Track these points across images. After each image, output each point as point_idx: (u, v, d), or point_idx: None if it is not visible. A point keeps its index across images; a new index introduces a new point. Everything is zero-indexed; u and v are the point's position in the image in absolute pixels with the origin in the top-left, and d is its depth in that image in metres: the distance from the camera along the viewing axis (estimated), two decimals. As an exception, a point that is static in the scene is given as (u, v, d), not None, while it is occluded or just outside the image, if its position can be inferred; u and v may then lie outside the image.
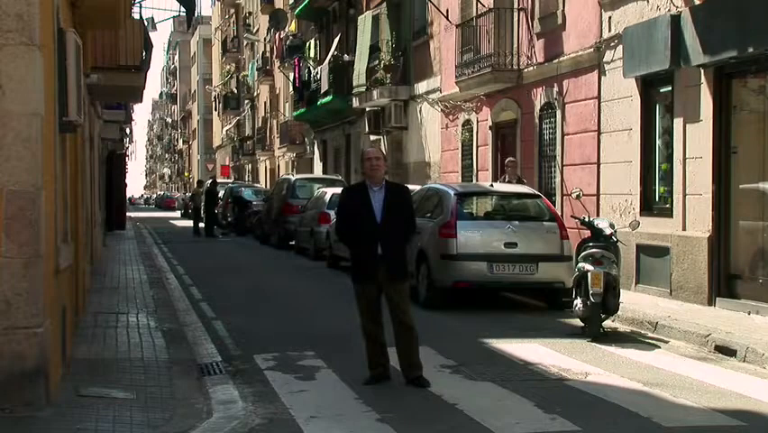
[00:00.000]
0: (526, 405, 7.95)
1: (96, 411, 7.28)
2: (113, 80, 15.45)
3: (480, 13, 21.35)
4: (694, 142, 13.87)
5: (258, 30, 56.64)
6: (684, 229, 14.12)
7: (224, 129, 73.50)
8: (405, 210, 9.00)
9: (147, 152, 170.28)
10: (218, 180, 42.31)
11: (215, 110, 78.53)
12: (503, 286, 14.36)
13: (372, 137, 30.07)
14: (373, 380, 8.77)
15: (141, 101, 22.38)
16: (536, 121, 19.20)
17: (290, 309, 14.18)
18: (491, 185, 16.32)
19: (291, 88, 42.15)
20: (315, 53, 38.43)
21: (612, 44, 16.20)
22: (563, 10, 18.11)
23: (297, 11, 40.10)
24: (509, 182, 16.91)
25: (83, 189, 12.98)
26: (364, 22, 30.20)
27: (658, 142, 15.14)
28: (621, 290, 12.02)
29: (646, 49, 14.54)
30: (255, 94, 58.86)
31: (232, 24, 69.22)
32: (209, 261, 23.33)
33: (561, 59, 18.08)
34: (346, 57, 32.90)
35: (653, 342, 11.37)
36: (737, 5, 12.79)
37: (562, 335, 11.71)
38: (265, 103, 55.33)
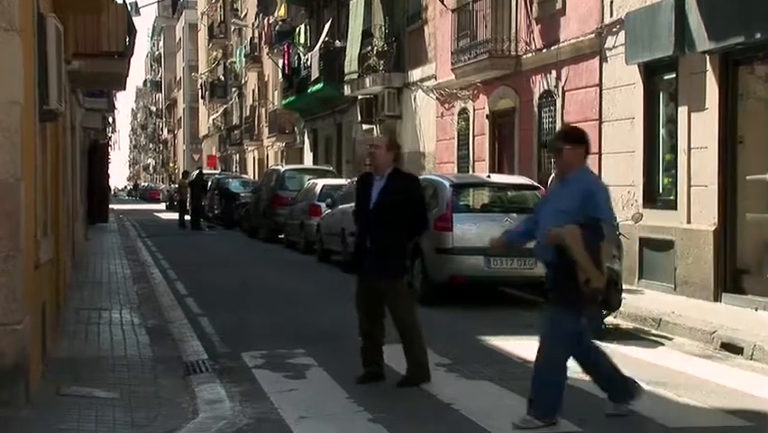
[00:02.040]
0: (525, 405, 7.61)
1: (77, 411, 7.21)
2: (95, 67, 15.30)
3: (476, -3, 21.14)
4: (699, 132, 13.76)
5: (246, 15, 56.43)
6: (689, 222, 14.02)
7: (211, 118, 73.46)
8: (408, 202, 8.70)
9: (130, 141, 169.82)
10: (204, 171, 42.28)
11: (202, 98, 78.37)
12: (501, 281, 14.27)
13: (365, 126, 29.94)
14: (366, 378, 8.65)
15: (124, 89, 22.31)
16: (535, 109, 19.07)
17: (279, 305, 14.09)
18: (488, 176, 16.22)
19: (280, 76, 42.01)
20: (306, 39, 38.29)
21: (614, 30, 16.04)
22: (563, -6, 17.96)
23: (286, -5, 39.94)
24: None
25: (64, 181, 12.94)
26: (356, 6, 30.08)
27: (662, 131, 15.05)
28: (623, 286, 11.86)
29: (649, 34, 14.41)
30: (243, 81, 58.73)
31: (219, 9, 69.12)
32: (195, 255, 23.34)
33: (561, 45, 17.92)
34: (337, 43, 32.84)
35: (657, 339, 11.31)
36: (744, -11, 12.71)
37: (563, 331, 11.50)
38: (253, 91, 55.13)
